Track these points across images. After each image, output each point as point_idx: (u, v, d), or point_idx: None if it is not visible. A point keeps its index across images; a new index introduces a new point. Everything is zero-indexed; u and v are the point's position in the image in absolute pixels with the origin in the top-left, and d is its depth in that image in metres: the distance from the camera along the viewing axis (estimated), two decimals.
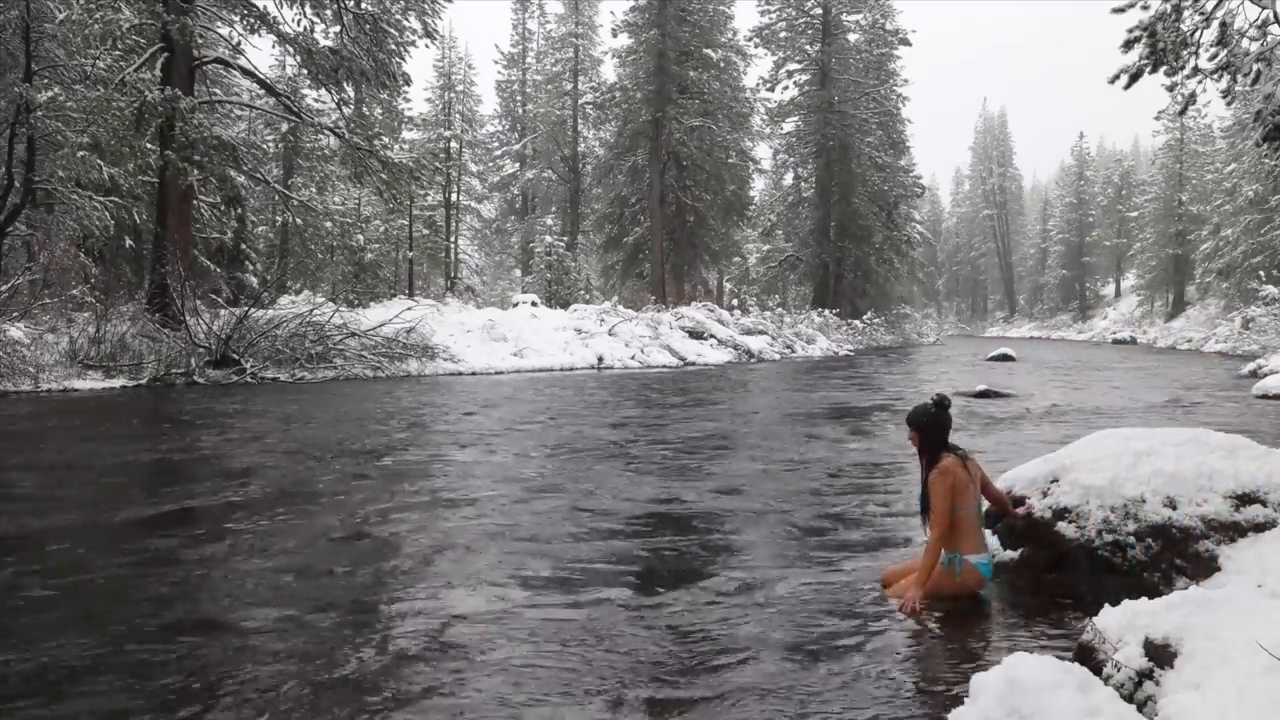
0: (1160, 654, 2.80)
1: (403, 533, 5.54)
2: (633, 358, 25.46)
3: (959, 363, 29.55)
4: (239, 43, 21.92)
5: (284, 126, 28.68)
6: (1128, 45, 7.52)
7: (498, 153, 53.58)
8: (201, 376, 16.71)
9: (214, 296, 21.33)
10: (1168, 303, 62.63)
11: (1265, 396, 15.56)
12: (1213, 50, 7.46)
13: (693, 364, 26.65)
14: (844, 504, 6.45)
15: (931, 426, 4.34)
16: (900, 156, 50.80)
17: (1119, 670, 2.85)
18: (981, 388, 16.18)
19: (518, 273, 53.34)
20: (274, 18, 21.01)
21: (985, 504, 4.49)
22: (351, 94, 23.67)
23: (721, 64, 42.85)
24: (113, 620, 3.92)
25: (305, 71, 23.17)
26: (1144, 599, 3.09)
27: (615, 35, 41.73)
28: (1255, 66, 7.38)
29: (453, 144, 45.43)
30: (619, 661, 3.48)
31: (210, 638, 3.72)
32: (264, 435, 10.19)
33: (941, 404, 4.38)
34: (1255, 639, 2.64)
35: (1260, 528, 4.25)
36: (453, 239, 45.51)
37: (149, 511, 6.15)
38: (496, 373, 21.37)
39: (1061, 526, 4.45)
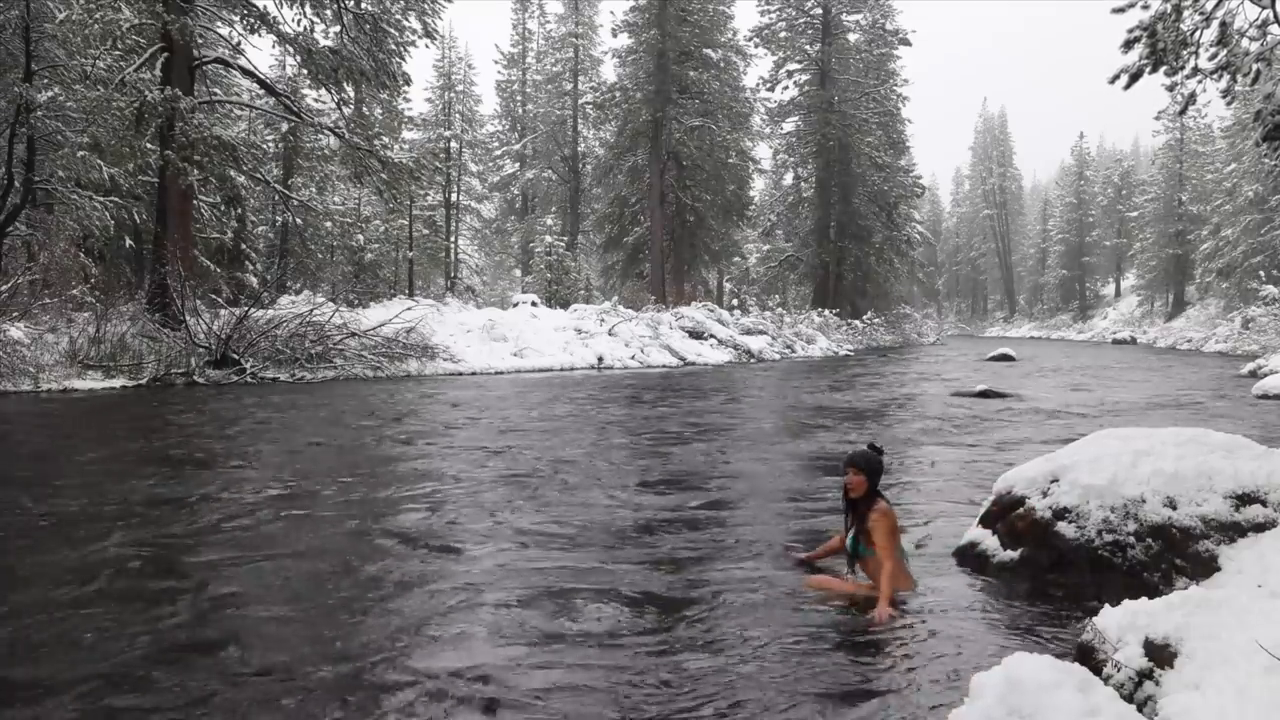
0: (1160, 654, 2.80)
1: (398, 539, 5.52)
2: (633, 358, 25.45)
3: (959, 363, 29.55)
4: (239, 43, 21.92)
5: (284, 126, 28.67)
6: (1127, 45, 7.51)
7: (498, 153, 53.58)
8: (201, 376, 16.70)
9: (214, 296, 21.31)
10: (1168, 303, 62.63)
11: (1265, 396, 15.56)
12: (1213, 50, 7.44)
13: (693, 364, 26.65)
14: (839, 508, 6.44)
15: (877, 471, 4.42)
16: (900, 156, 50.78)
17: (1119, 670, 2.85)
18: (981, 388, 16.17)
19: (518, 273, 53.33)
20: (274, 18, 21.00)
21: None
22: (351, 94, 23.63)
23: (721, 64, 42.83)
24: (110, 618, 3.93)
25: (305, 71, 23.16)
26: (1144, 599, 3.09)
27: (615, 35, 41.77)
28: (1255, 66, 7.37)
29: (453, 144, 45.42)
30: (618, 667, 3.48)
31: (209, 639, 3.73)
32: (263, 435, 10.19)
33: (881, 451, 4.50)
34: (1255, 639, 2.64)
35: (1260, 528, 4.25)
36: (453, 239, 45.49)
37: (147, 512, 6.15)
38: (496, 373, 21.37)
39: (1061, 526, 4.46)
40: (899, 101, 50.39)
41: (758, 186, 52.94)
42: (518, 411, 13.00)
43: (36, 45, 16.72)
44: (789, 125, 49.67)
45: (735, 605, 4.15)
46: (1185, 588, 3.73)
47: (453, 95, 47.86)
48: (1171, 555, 4.23)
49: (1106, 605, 3.11)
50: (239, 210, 29.13)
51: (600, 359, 24.43)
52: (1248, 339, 34.37)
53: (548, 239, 40.74)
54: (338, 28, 21.70)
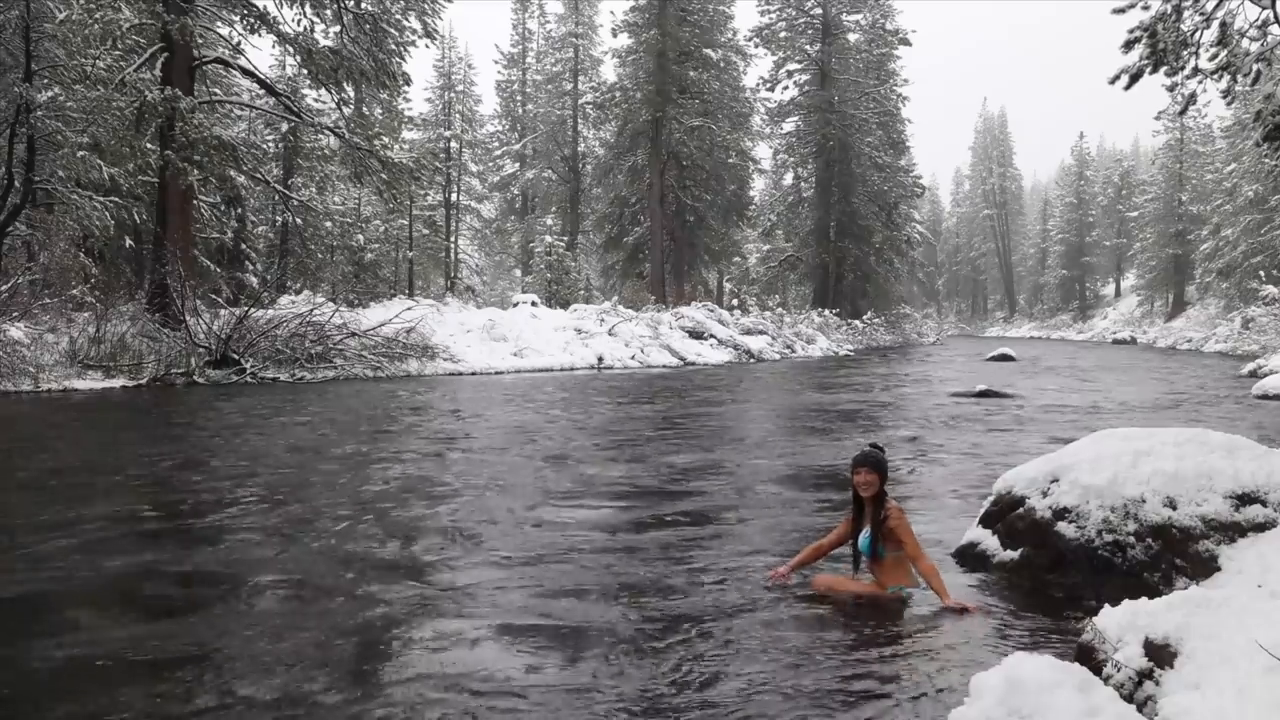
0: (1160, 654, 2.80)
1: (367, 558, 5.50)
2: (633, 358, 25.45)
3: (959, 363, 29.55)
4: (239, 43, 21.93)
5: (284, 126, 28.67)
6: (1128, 46, 7.50)
7: (498, 153, 53.58)
8: (201, 376, 16.70)
9: (214, 296, 21.32)
10: (1168, 303, 62.60)
11: (1265, 396, 15.55)
12: (1213, 50, 7.44)
13: (693, 364, 26.65)
14: (839, 511, 6.45)
15: (886, 470, 4.41)
16: (900, 156, 50.77)
17: (1119, 670, 2.85)
18: (982, 388, 16.17)
19: (518, 273, 53.33)
20: (274, 18, 21.01)
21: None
22: (351, 94, 23.64)
23: (721, 64, 42.86)
24: (111, 621, 3.92)
25: (305, 71, 23.16)
26: (1144, 599, 3.09)
27: (615, 35, 41.77)
28: (1255, 66, 7.37)
29: (453, 144, 45.45)
30: (617, 672, 3.48)
31: (210, 641, 3.73)
32: (263, 436, 10.18)
33: (882, 449, 4.48)
34: (1255, 639, 2.64)
35: (1260, 528, 4.25)
36: (453, 239, 45.50)
37: (147, 515, 6.15)
38: (496, 373, 21.37)
39: (1061, 526, 4.46)
40: (899, 101, 50.40)
41: (758, 186, 53.02)
42: (515, 413, 13.00)
43: (36, 45, 16.72)
44: (789, 125, 49.69)
45: (732, 606, 4.15)
46: (1185, 588, 3.72)
47: (453, 95, 47.86)
48: (1171, 555, 4.23)
49: (1106, 605, 3.11)
50: (239, 210, 29.14)
51: (600, 359, 24.43)
52: (1248, 339, 34.33)
53: (548, 239, 40.74)
54: (338, 28, 21.71)
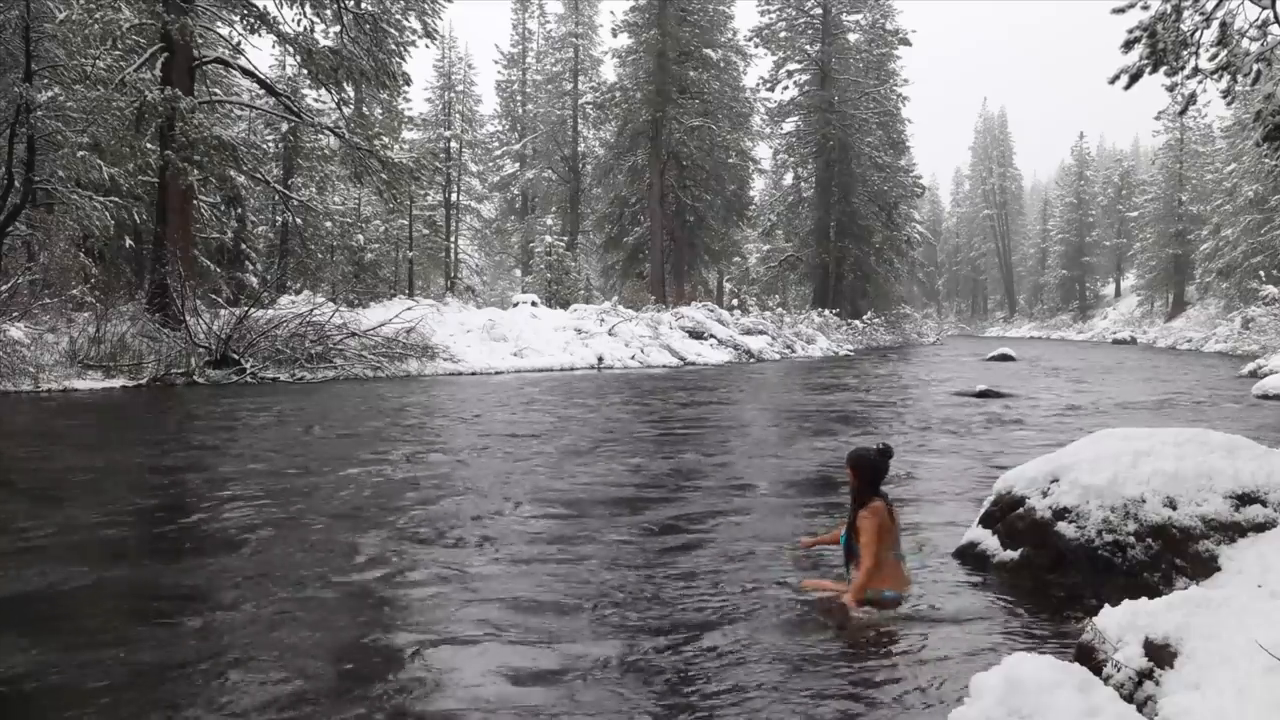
0: (1160, 654, 2.80)
1: (389, 548, 5.50)
2: (633, 358, 25.45)
3: (959, 362, 29.54)
4: (239, 43, 21.92)
5: (284, 126, 28.67)
6: (1128, 46, 7.50)
7: (498, 153, 53.57)
8: (201, 376, 16.70)
9: (214, 296, 21.32)
10: (1168, 303, 62.59)
11: (1265, 396, 15.55)
12: (1213, 50, 7.44)
13: (693, 364, 26.65)
14: (836, 513, 6.45)
15: (870, 470, 4.34)
16: (900, 156, 50.78)
17: (1119, 670, 2.85)
18: (981, 387, 16.17)
19: (518, 273, 53.32)
20: (274, 18, 21.01)
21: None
22: (351, 94, 23.63)
23: (721, 64, 42.87)
24: (97, 624, 3.92)
25: (305, 71, 23.15)
26: (1144, 599, 3.09)
27: (615, 35, 41.78)
28: (1255, 66, 7.37)
29: (453, 144, 45.45)
30: (618, 674, 3.48)
31: (181, 651, 3.72)
32: (260, 437, 10.18)
33: (884, 453, 4.39)
34: (1255, 639, 2.64)
35: (1260, 528, 4.25)
36: (453, 239, 45.51)
37: (141, 516, 6.15)
38: (496, 373, 21.37)
39: (1061, 526, 4.45)
40: (899, 101, 50.41)
41: (758, 186, 53.03)
42: (512, 413, 13.00)
43: (36, 45, 16.70)
44: (789, 125, 49.70)
45: (727, 610, 4.15)
46: (1185, 588, 3.72)
47: (453, 95, 47.85)
48: (1171, 555, 4.23)
49: (1106, 605, 3.11)
50: (239, 210, 29.13)
51: (600, 359, 24.42)
52: (1248, 339, 34.32)
53: (548, 239, 40.75)
54: (338, 28, 21.71)
